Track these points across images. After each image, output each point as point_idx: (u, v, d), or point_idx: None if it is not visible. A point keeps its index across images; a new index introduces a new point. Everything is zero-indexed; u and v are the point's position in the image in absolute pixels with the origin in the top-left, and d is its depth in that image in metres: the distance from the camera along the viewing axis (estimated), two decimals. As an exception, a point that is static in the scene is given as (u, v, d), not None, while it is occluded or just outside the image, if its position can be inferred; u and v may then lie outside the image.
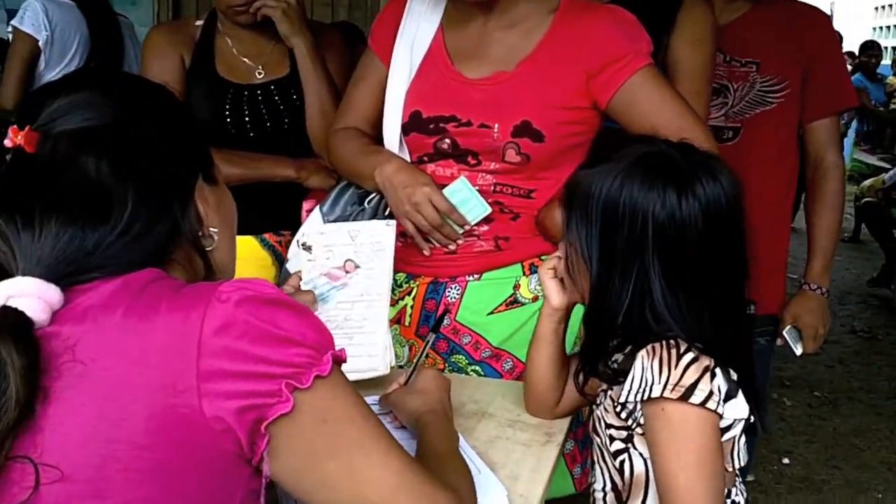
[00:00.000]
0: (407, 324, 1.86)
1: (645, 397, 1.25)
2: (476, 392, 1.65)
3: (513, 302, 1.81)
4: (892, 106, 9.21)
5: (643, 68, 1.74)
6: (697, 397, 1.23)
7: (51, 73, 3.64)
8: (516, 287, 1.81)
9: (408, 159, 1.85)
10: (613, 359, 1.36)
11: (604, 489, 1.41)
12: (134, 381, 0.90)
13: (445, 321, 1.79)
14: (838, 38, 2.43)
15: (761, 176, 2.18)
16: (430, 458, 1.20)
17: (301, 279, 1.66)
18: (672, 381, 1.24)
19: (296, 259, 1.79)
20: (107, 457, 0.89)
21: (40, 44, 3.61)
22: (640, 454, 1.33)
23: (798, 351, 2.36)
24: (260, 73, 2.32)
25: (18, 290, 0.92)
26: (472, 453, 1.37)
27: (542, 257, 1.79)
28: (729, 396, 1.27)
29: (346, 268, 1.70)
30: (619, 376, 1.32)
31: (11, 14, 4.38)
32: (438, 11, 1.88)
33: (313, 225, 1.86)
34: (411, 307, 1.86)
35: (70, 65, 3.68)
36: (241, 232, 1.27)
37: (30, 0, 3.68)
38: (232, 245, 1.22)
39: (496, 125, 1.74)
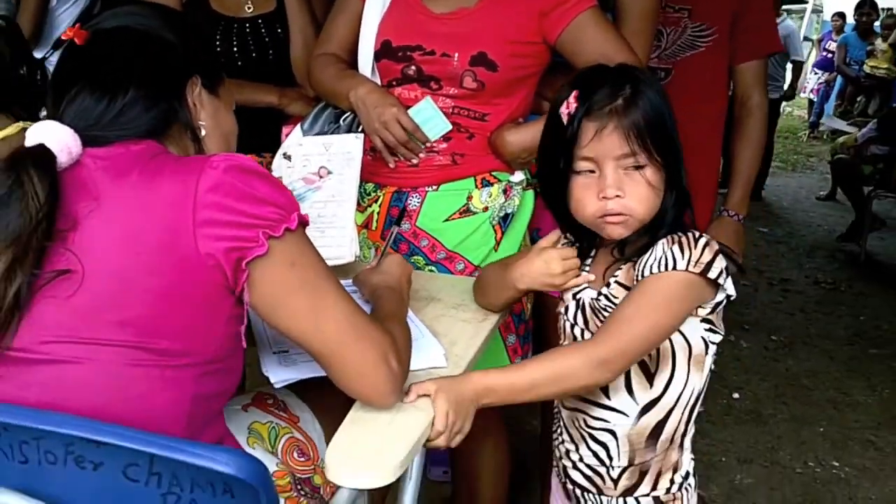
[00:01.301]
0: (374, 228, 2.11)
1: (666, 269, 1.46)
2: (429, 283, 1.91)
3: (466, 211, 2.06)
4: (866, 67, 9.32)
5: (588, 9, 1.98)
6: (713, 273, 1.47)
7: (62, 7, 3.77)
8: (469, 198, 2.06)
9: (379, 83, 2.09)
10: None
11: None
12: (146, 224, 1.19)
13: (405, 225, 2.04)
14: None
15: (691, 113, 2.36)
16: (378, 316, 1.47)
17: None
18: (694, 258, 1.46)
19: (278, 168, 2.03)
20: (124, 277, 1.17)
21: None
22: (678, 332, 1.53)
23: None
24: (249, 8, 2.55)
25: (49, 132, 1.22)
26: (418, 322, 1.64)
27: (493, 172, 2.05)
28: (727, 271, 1.51)
29: (320, 173, 1.95)
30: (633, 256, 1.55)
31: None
32: (412, -51, 2.11)
33: (292, 141, 2.10)
34: (378, 213, 2.11)
35: None
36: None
37: None
38: (224, 145, 1.51)
39: (456, 54, 1.98)
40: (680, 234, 1.52)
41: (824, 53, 10.85)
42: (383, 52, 2.06)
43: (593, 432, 1.62)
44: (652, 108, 1.50)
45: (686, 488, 1.65)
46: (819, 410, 4.04)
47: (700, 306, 1.53)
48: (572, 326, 1.64)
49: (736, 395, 4.14)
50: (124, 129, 1.30)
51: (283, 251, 1.24)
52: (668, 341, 1.54)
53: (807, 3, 17.95)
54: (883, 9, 10.80)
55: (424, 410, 1.38)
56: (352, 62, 2.15)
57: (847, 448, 3.69)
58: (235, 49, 2.50)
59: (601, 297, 1.58)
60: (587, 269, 1.65)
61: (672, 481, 1.63)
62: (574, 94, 1.52)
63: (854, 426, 3.90)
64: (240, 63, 2.50)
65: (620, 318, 1.48)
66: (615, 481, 1.62)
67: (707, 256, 1.48)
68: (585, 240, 1.65)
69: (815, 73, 12.39)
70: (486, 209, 2.05)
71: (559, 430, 1.71)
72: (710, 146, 2.56)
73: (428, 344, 1.57)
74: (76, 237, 1.18)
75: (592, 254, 1.65)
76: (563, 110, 1.52)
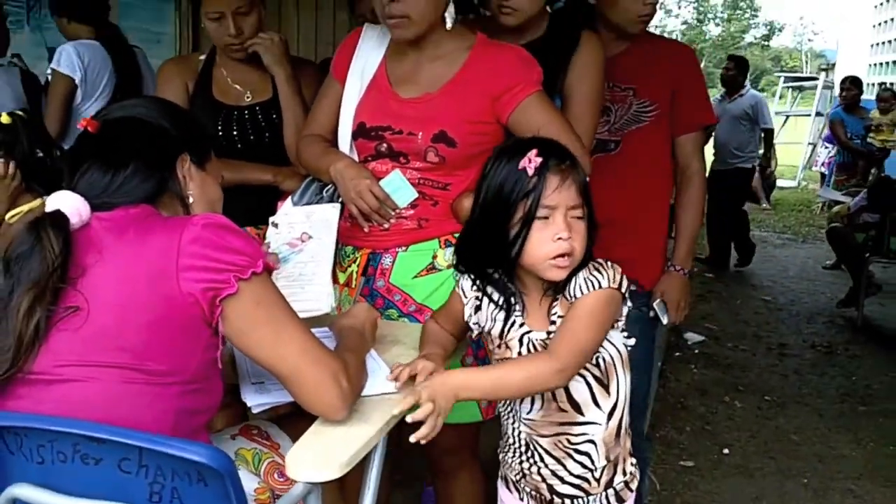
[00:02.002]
0: (353, 286, 2.40)
1: (594, 289, 1.82)
2: (397, 330, 2.20)
3: (432, 268, 2.35)
4: (869, 138, 9.59)
5: (534, 94, 2.29)
6: (623, 287, 1.86)
7: (86, 104, 4.19)
8: (434, 257, 2.35)
9: (356, 158, 2.40)
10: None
11: (588, 389, 1.92)
12: (139, 270, 1.51)
13: (380, 282, 2.34)
14: (700, 68, 2.89)
15: (639, 179, 2.69)
16: (338, 348, 1.77)
17: (270, 249, 2.23)
18: (611, 277, 1.84)
19: (270, 235, 2.35)
20: (122, 312, 1.49)
21: (76, 81, 4.14)
22: (609, 344, 1.91)
23: (664, 320, 2.77)
24: (248, 97, 2.90)
25: (64, 199, 1.54)
26: (377, 357, 1.93)
27: (455, 234, 2.33)
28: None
29: (302, 238, 2.26)
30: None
31: (52, 52, 4.97)
32: (383, 46, 2.44)
33: (283, 210, 2.42)
34: (356, 273, 2.40)
35: (102, 95, 4.23)
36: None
37: (63, 45, 4.20)
38: (207, 211, 1.83)
39: (420, 133, 2.29)
40: (594, 262, 1.87)
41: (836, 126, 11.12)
42: (359, 132, 2.38)
43: (577, 446, 1.94)
44: (584, 176, 1.88)
45: (635, 465, 2.04)
46: (805, 463, 4.22)
47: (618, 319, 1.90)
48: None
49: (726, 451, 4.34)
50: (125, 197, 1.63)
51: (250, 291, 1.55)
52: (609, 355, 1.91)
53: (817, 79, 18.39)
54: (880, 83, 11.11)
55: (373, 424, 1.66)
56: (333, 141, 2.46)
57: (827, 497, 3.88)
58: (236, 134, 2.83)
59: (551, 335, 1.89)
60: (519, 314, 1.94)
61: (631, 463, 2.03)
62: (534, 151, 1.83)
63: (837, 477, 4.08)
64: (240, 146, 2.83)
65: (568, 334, 1.82)
66: (598, 480, 1.96)
67: (618, 276, 1.86)
68: (505, 294, 1.94)
69: (826, 147, 12.69)
70: (449, 266, 2.33)
71: (532, 461, 1.99)
72: (658, 209, 2.82)
73: (384, 374, 1.86)
74: (84, 281, 1.49)
75: (519, 308, 1.94)
76: (527, 164, 1.82)
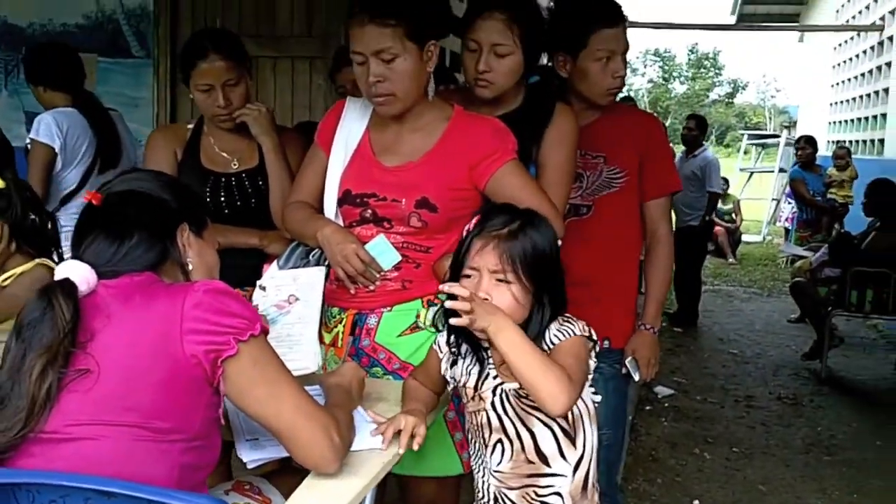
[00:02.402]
0: (340, 345, 2.51)
1: (569, 336, 1.98)
2: (382, 388, 2.31)
3: (415, 327, 2.47)
4: (830, 194, 9.86)
5: (509, 162, 2.44)
6: (592, 337, 2.03)
7: (67, 171, 4.26)
8: (418, 316, 2.47)
9: (341, 224, 2.52)
10: None
11: (554, 439, 2.02)
12: (145, 334, 1.61)
13: (366, 341, 2.46)
14: (666, 137, 3.05)
15: (611, 241, 2.82)
16: (328, 404, 1.88)
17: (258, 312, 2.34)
18: (581, 327, 2.00)
19: (257, 298, 2.45)
20: (130, 374, 1.59)
21: (56, 150, 4.19)
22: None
23: (636, 377, 2.88)
24: (235, 165, 3.02)
25: (73, 268, 1.66)
26: (364, 413, 2.03)
27: (438, 295, 2.45)
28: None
29: (289, 300, 2.37)
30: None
31: (30, 116, 5.06)
32: (366, 117, 2.57)
33: (270, 274, 2.53)
34: (342, 333, 2.51)
35: (82, 161, 4.30)
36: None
37: (42, 115, 4.26)
38: (207, 276, 1.95)
39: (403, 200, 2.42)
40: (563, 317, 2.03)
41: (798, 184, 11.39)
42: (345, 198, 2.50)
43: (544, 498, 2.03)
44: (531, 244, 2.00)
45: None
46: (770, 512, 4.33)
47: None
48: (498, 417, 2.04)
49: (696, 502, 4.43)
50: (129, 265, 1.74)
51: (249, 352, 1.66)
52: (577, 407, 2.02)
53: (779, 136, 18.79)
54: (835, 142, 11.44)
55: (362, 477, 1.77)
56: (318, 207, 2.58)
57: (792, 542, 4.01)
58: (223, 200, 2.95)
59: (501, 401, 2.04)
60: (492, 367, 2.06)
61: None
62: (476, 218, 2.04)
63: (804, 526, 4.22)
64: (227, 211, 2.95)
65: (569, 370, 1.92)
66: None
67: (588, 328, 2.03)
68: (477, 348, 2.07)
69: (789, 203, 12.97)
70: (432, 325, 2.46)
71: None
72: (628, 270, 2.95)
73: (371, 430, 1.97)
74: (93, 345, 1.59)
75: (492, 361, 2.07)
76: (466, 228, 2.04)
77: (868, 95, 10.98)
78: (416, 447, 1.96)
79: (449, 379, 2.14)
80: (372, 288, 2.46)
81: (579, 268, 2.83)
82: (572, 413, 2.01)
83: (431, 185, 2.42)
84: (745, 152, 22.05)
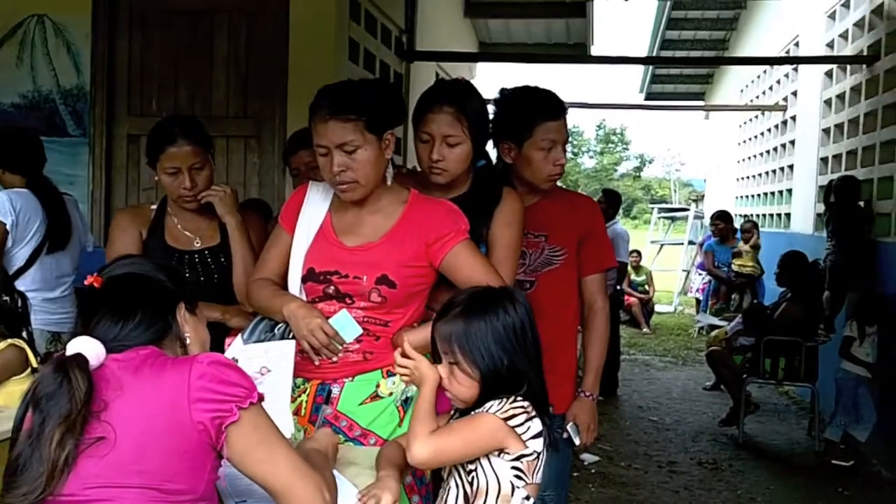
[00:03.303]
0: (303, 414, 2.65)
1: (482, 412, 2.15)
2: (349, 453, 2.45)
3: (375, 396, 2.63)
4: (734, 266, 10.29)
5: (462, 241, 2.64)
6: (514, 423, 2.13)
7: (16, 248, 4.38)
8: (377, 386, 2.64)
9: (305, 299, 2.69)
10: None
11: (455, 498, 2.21)
12: (156, 403, 1.76)
13: (328, 410, 2.61)
14: (602, 217, 3.34)
15: (552, 314, 3.02)
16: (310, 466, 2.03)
17: None
18: (503, 410, 2.13)
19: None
20: (142, 440, 1.73)
21: (7, 227, 4.31)
22: (486, 472, 2.15)
23: (577, 441, 3.11)
24: (198, 243, 3.18)
25: (85, 344, 1.80)
26: (339, 475, 2.18)
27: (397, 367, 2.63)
28: (539, 435, 2.17)
29: (261, 371, 2.51)
30: None
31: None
32: (327, 200, 2.76)
33: (236, 347, 2.67)
34: (305, 402, 2.66)
35: (32, 239, 4.42)
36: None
37: None
38: (202, 348, 2.11)
39: (365, 277, 2.59)
40: (505, 396, 2.18)
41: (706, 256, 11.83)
42: (308, 276, 2.67)
43: None
44: (463, 328, 2.21)
45: None
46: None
47: (505, 451, 2.16)
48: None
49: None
50: (134, 341, 1.89)
51: (249, 418, 1.82)
52: (484, 479, 2.18)
53: (688, 209, 19.45)
54: (742, 215, 11.94)
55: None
56: (282, 284, 2.75)
57: None
58: (188, 276, 3.09)
59: None
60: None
61: None
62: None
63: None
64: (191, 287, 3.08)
65: (444, 430, 2.16)
66: None
67: (512, 412, 2.15)
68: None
69: (699, 274, 13.43)
70: (390, 394, 2.63)
71: None
72: (569, 340, 3.18)
73: (347, 492, 2.12)
74: (107, 414, 1.73)
75: None
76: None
77: (774, 171, 11.49)
78: None
79: None
80: (335, 359, 2.62)
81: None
82: (478, 482, 2.17)
83: (390, 262, 2.60)
84: (655, 225, 22.73)
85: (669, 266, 18.56)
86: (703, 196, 20.52)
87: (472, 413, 2.18)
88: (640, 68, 18.45)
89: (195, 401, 1.76)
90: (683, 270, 17.03)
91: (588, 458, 6.45)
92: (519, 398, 2.18)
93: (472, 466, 2.19)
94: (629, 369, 10.22)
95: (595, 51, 13.06)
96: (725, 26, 15.25)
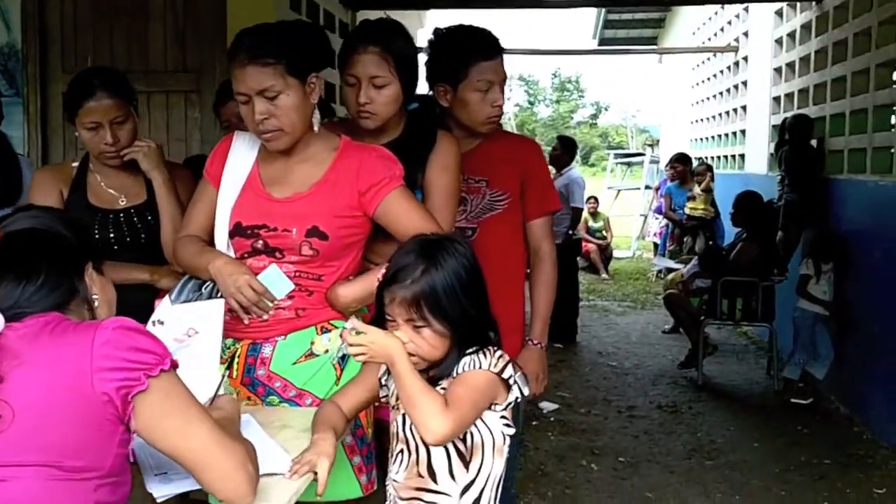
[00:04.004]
0: (234, 375, 2.52)
1: (474, 369, 2.05)
2: (286, 415, 2.34)
3: (310, 354, 2.50)
4: (686, 209, 10.23)
5: (396, 188, 2.51)
6: (506, 374, 2.07)
7: None
8: (312, 343, 2.51)
9: (233, 256, 2.55)
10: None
11: (447, 458, 2.07)
12: (56, 373, 1.61)
13: (261, 370, 2.49)
14: (545, 160, 3.20)
15: (496, 261, 2.87)
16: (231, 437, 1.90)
17: None
18: (493, 363, 2.06)
19: (155, 332, 2.44)
20: (43, 414, 1.58)
21: None
22: (478, 427, 2.06)
23: (525, 392, 2.98)
24: (122, 201, 3.03)
25: None
26: (266, 436, 2.06)
27: (331, 321, 2.51)
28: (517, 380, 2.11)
29: (188, 333, 2.37)
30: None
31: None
32: (254, 150, 2.61)
33: (163, 309, 2.53)
34: (237, 363, 2.53)
35: None
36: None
37: None
38: (109, 310, 1.96)
39: (294, 229, 2.46)
40: (481, 349, 2.09)
41: (662, 200, 11.77)
42: (236, 230, 2.53)
43: None
44: (434, 287, 2.06)
45: None
46: (659, 519, 4.51)
47: (496, 403, 2.09)
48: (404, 427, 2.12)
49: (587, 513, 4.60)
50: (36, 306, 1.71)
51: (159, 387, 1.67)
52: (479, 434, 2.08)
53: (644, 154, 19.41)
54: (697, 158, 11.88)
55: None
56: (210, 241, 2.61)
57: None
58: (112, 236, 2.95)
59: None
60: None
61: None
62: (386, 265, 2.13)
63: (692, 528, 4.39)
64: (116, 248, 2.95)
65: (453, 400, 1.99)
66: None
67: (501, 363, 2.08)
68: None
69: (656, 219, 13.41)
70: (326, 351, 2.50)
71: None
72: (515, 287, 3.05)
73: (279, 459, 2.00)
74: (5, 387, 1.58)
75: None
76: (379, 276, 2.14)
77: (727, 113, 11.42)
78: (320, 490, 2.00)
79: (383, 386, 2.22)
80: (266, 318, 2.49)
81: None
82: (472, 437, 2.07)
83: (321, 213, 2.47)
84: (612, 171, 22.69)
85: (627, 212, 18.54)
86: (658, 141, 20.47)
87: (461, 372, 2.06)
88: (592, 15, 18.28)
89: (99, 370, 1.61)
90: (641, 215, 16.99)
91: (547, 406, 6.40)
92: (493, 349, 2.12)
93: None
94: (588, 315, 10.17)
95: (545, -5, 12.86)
96: (676, -31, 15.04)
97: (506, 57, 2.98)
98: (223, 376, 2.33)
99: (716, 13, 12.19)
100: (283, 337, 2.51)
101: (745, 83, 10.44)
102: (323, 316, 2.51)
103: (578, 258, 13.68)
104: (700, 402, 6.70)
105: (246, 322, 2.49)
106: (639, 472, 5.21)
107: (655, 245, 13.49)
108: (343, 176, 2.51)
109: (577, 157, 8.77)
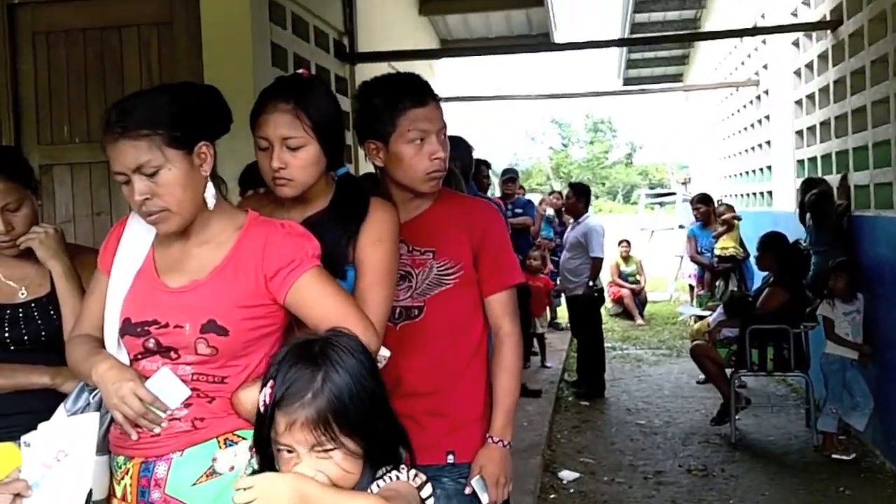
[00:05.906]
0: (129, 500, 2.13)
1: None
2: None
3: (212, 473, 2.10)
4: (716, 250, 9.75)
5: (309, 270, 2.13)
6: (424, 493, 1.79)
7: None
8: (214, 460, 2.10)
9: (126, 358, 2.18)
10: None
11: None
12: None
13: (157, 494, 2.09)
14: (503, 226, 2.73)
15: (447, 345, 2.54)
16: None
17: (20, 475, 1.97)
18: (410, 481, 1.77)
19: (25, 456, 2.06)
20: None
21: None
22: None
23: (484, 499, 2.52)
24: (23, 294, 2.66)
25: None
26: None
27: (237, 432, 2.11)
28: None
29: (57, 457, 1.99)
30: None
31: None
32: (152, 232, 2.24)
33: (51, 423, 2.15)
34: (129, 486, 2.13)
35: None
36: (5, 438, 1.59)
37: None
38: None
39: (187, 324, 2.08)
40: (395, 467, 1.79)
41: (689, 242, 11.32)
42: (125, 328, 2.16)
43: None
44: (337, 397, 1.72)
45: None
46: None
47: None
48: None
49: None
50: None
51: None
52: None
53: (675, 194, 18.95)
54: (729, 195, 11.42)
55: None
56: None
57: None
58: (7, 335, 2.59)
59: None
60: None
61: None
62: (270, 385, 1.76)
63: None
64: (13, 348, 2.59)
65: None
66: None
67: (419, 481, 1.78)
68: None
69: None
70: (231, 469, 2.10)
71: None
72: (471, 375, 2.62)
73: None
74: None
75: None
76: (261, 401, 1.77)
77: (752, 148, 11.00)
78: None
79: None
80: (157, 431, 2.10)
81: (416, 377, 2.55)
82: None
83: (219, 305, 2.10)
84: (650, 208, 22.22)
85: (664, 252, 18.00)
86: (690, 178, 20.00)
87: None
88: (615, 57, 17.97)
89: None
90: (677, 256, 16.47)
91: (567, 475, 5.97)
92: (405, 467, 1.80)
93: None
94: (619, 367, 9.73)
95: (560, 39, 12.52)
96: (694, 5, 14.71)
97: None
98: None
99: (735, 47, 11.82)
100: (179, 453, 2.11)
101: (767, 117, 10.03)
102: (226, 426, 2.13)
103: (612, 304, 13.26)
104: (733, 462, 6.21)
105: (133, 437, 2.10)
106: (664, 550, 4.74)
107: (691, 287, 12.98)
108: (247, 258, 2.14)
109: (619, 197, 8.27)
